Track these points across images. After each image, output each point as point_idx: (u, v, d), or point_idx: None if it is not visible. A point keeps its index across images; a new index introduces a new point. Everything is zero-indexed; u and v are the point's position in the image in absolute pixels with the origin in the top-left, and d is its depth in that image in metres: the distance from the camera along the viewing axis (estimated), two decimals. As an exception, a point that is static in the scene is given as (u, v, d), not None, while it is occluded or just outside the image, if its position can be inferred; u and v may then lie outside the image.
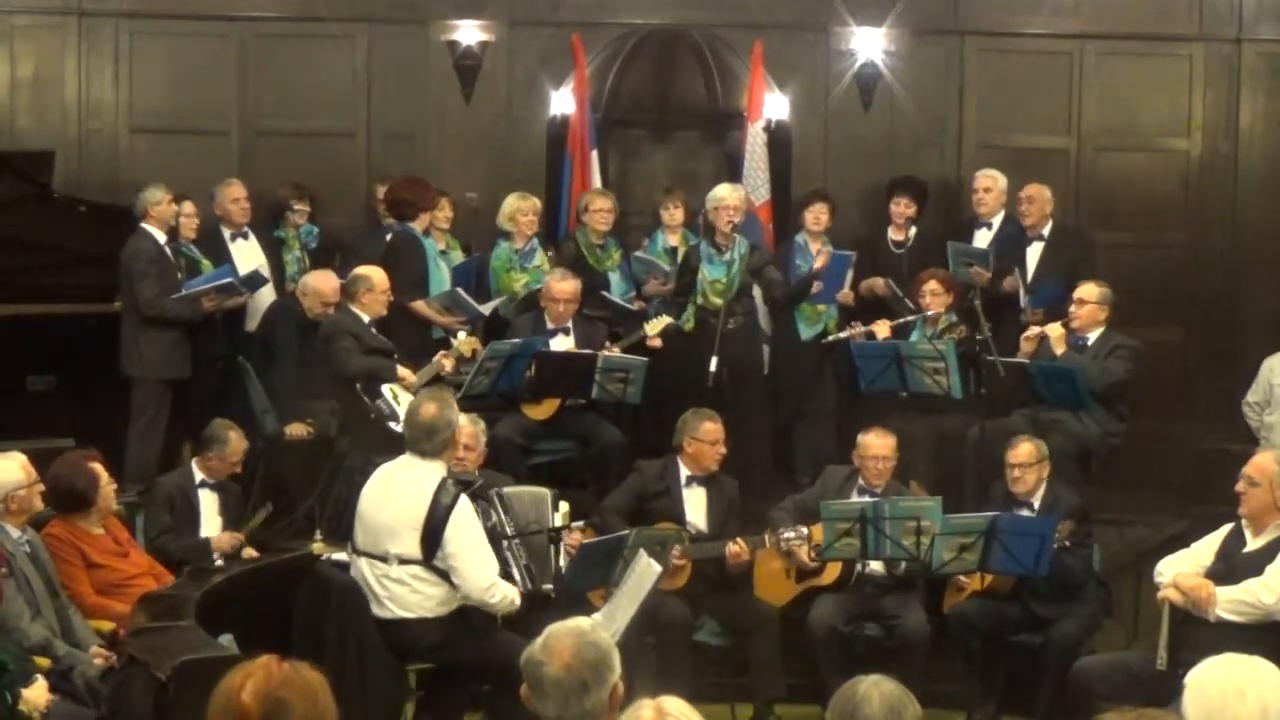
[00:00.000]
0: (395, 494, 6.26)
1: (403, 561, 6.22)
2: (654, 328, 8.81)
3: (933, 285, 8.82)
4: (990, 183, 9.62)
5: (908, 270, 9.28)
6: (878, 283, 9.38)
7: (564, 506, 7.09)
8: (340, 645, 6.44)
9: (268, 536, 7.95)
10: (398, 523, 6.20)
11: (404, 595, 6.24)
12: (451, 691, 6.60)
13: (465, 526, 6.16)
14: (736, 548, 7.39)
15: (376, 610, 6.29)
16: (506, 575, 6.53)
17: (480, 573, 6.16)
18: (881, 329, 8.75)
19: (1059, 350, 8.35)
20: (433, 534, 6.13)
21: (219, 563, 7.47)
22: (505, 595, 6.24)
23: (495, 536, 6.57)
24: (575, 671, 3.43)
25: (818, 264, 9.12)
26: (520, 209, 9.39)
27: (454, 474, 6.46)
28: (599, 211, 9.44)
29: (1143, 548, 8.74)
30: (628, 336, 8.86)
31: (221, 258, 9.28)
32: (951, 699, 7.37)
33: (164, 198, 8.84)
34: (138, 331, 8.74)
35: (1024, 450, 7.54)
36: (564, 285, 8.76)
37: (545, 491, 7.18)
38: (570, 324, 8.79)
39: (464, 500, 6.18)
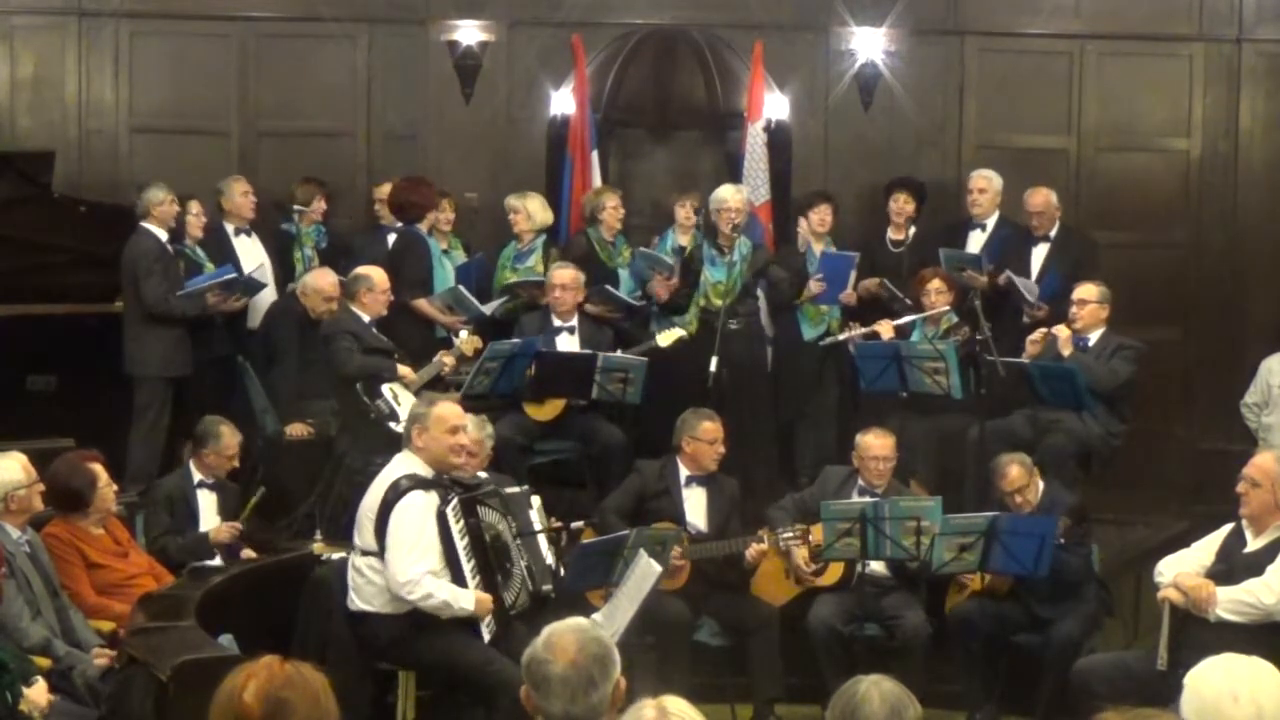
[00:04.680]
0: (373, 486, 6.36)
1: (363, 552, 6.31)
2: (666, 339, 8.77)
3: (937, 284, 8.83)
4: (985, 184, 9.63)
5: (906, 269, 9.29)
6: (873, 284, 9.39)
7: (536, 501, 7.05)
8: (304, 637, 6.65)
9: (269, 536, 7.95)
10: (362, 513, 6.33)
11: (362, 586, 6.32)
12: (456, 695, 6.60)
13: (403, 520, 6.15)
14: (761, 546, 7.41)
15: (347, 602, 6.38)
16: (506, 575, 6.50)
17: (399, 567, 6.13)
18: (885, 329, 8.75)
19: (1065, 352, 8.35)
20: (381, 524, 6.19)
21: (217, 561, 7.46)
22: (429, 594, 6.14)
23: (501, 545, 6.53)
24: (581, 667, 3.44)
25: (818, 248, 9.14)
26: (510, 206, 9.43)
27: (451, 477, 6.44)
28: (616, 209, 9.45)
29: (1143, 548, 8.74)
30: (638, 347, 8.81)
31: (225, 254, 9.30)
32: (952, 699, 7.38)
33: (166, 198, 8.86)
34: (141, 330, 8.75)
35: (1014, 474, 7.49)
36: (562, 272, 8.79)
37: (518, 489, 7.13)
38: (576, 324, 8.80)
39: (413, 495, 6.17)
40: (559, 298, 8.74)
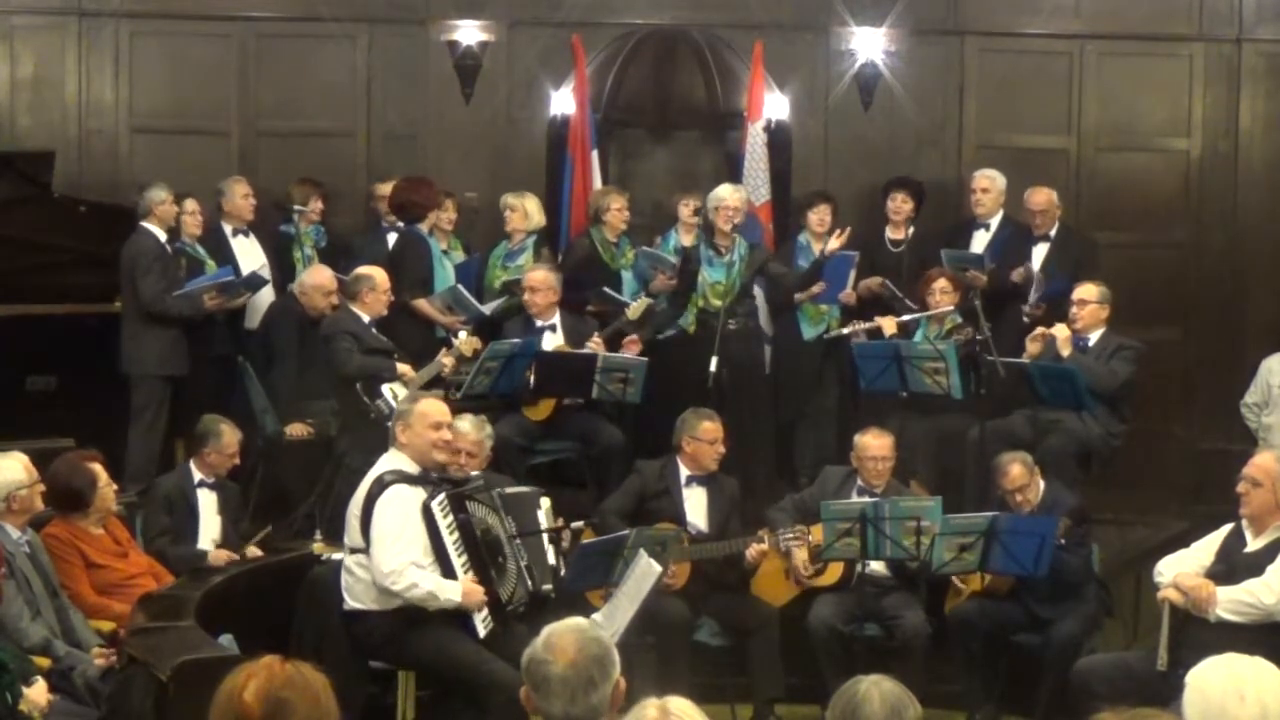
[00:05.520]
0: (360, 486, 6.39)
1: (352, 550, 6.34)
2: (634, 311, 8.83)
3: (942, 283, 8.82)
4: (988, 183, 9.63)
5: (906, 269, 9.28)
6: (874, 282, 9.40)
7: (545, 503, 7.05)
8: (300, 637, 6.71)
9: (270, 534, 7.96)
10: (349, 511, 6.36)
11: (353, 584, 6.35)
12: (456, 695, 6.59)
13: (385, 513, 6.18)
14: (761, 546, 7.41)
15: (342, 602, 6.41)
16: (500, 571, 6.49)
17: (382, 557, 6.15)
18: (888, 325, 8.75)
19: (1065, 352, 8.34)
20: (366, 520, 6.22)
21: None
22: (414, 584, 6.15)
23: (493, 539, 6.53)
24: (581, 667, 3.43)
25: (832, 245, 9.14)
26: (507, 204, 9.43)
27: (438, 474, 6.45)
28: (621, 210, 9.45)
29: (1143, 548, 8.74)
30: (611, 324, 8.87)
31: (223, 255, 9.31)
32: (951, 699, 7.38)
33: (167, 198, 8.88)
34: (139, 329, 8.76)
35: (1015, 472, 7.48)
36: (533, 275, 8.79)
37: (527, 489, 7.17)
38: (556, 322, 8.80)
39: (396, 489, 6.20)
40: (529, 300, 8.75)
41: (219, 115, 10.43)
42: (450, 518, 6.30)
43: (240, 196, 9.44)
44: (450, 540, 6.28)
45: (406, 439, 6.35)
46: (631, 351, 8.68)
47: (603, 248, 9.44)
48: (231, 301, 9.01)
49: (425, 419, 6.35)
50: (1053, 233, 9.50)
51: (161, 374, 8.80)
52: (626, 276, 9.45)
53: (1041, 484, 7.57)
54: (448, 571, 6.26)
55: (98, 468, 6.86)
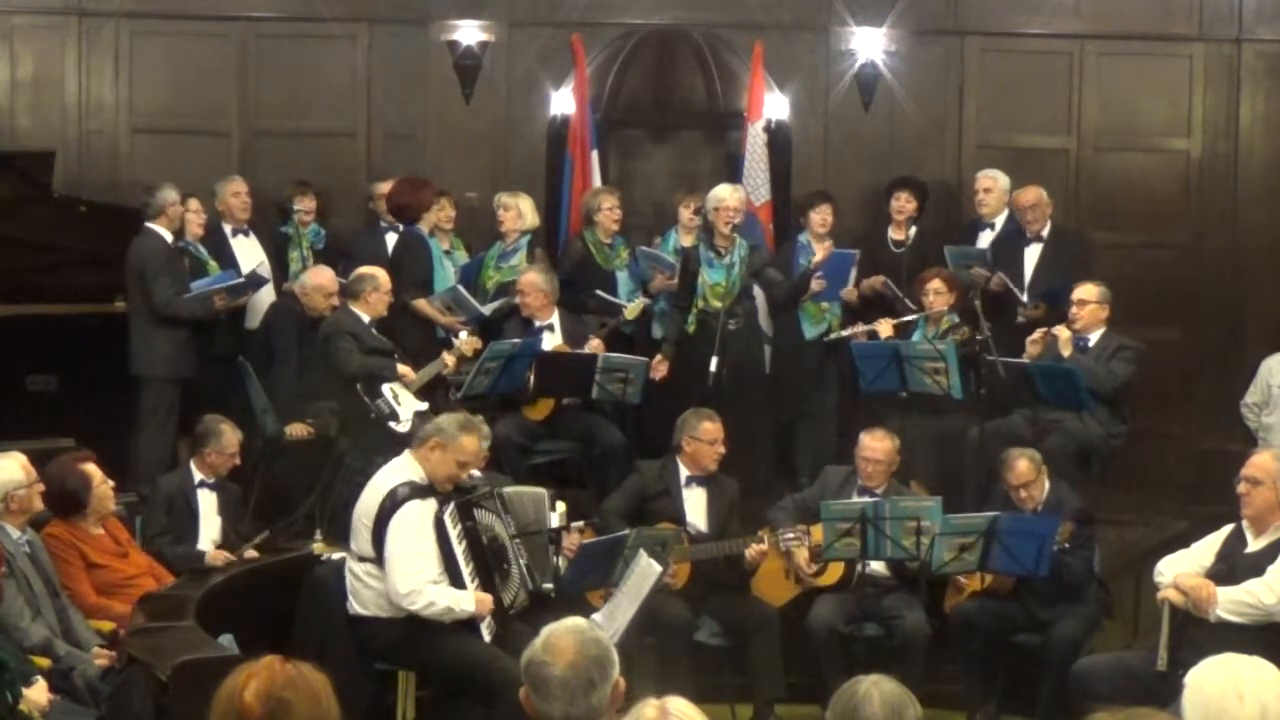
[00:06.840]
0: (368, 490, 6.39)
1: (360, 558, 6.34)
2: (631, 311, 8.87)
3: (936, 284, 8.81)
4: (991, 183, 9.63)
5: (907, 269, 9.28)
6: (876, 281, 9.39)
7: (561, 506, 7.07)
8: (303, 637, 6.73)
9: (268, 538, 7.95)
10: (357, 519, 6.37)
11: (360, 590, 6.38)
12: (456, 695, 6.60)
13: (401, 530, 6.19)
14: (761, 546, 7.40)
15: (346, 605, 6.43)
16: (504, 576, 6.50)
17: (399, 578, 6.18)
18: (884, 328, 8.75)
19: (1065, 352, 8.34)
20: (378, 532, 6.22)
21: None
22: (431, 602, 6.18)
23: (499, 546, 6.54)
24: (580, 669, 3.43)
25: (817, 256, 9.15)
26: (502, 203, 9.43)
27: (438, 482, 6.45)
28: (612, 210, 9.44)
29: (1143, 548, 8.73)
30: (609, 324, 8.89)
31: (224, 254, 9.31)
32: (951, 699, 7.37)
33: (177, 198, 8.89)
34: (149, 331, 8.75)
35: (1022, 468, 7.48)
36: (525, 278, 8.81)
37: (542, 491, 7.17)
38: (554, 322, 8.80)
39: (410, 505, 6.20)
40: (522, 303, 8.76)
41: (219, 115, 10.43)
42: (459, 527, 6.33)
43: (230, 195, 9.46)
44: (459, 550, 6.31)
45: (434, 458, 6.35)
46: (659, 373, 8.72)
47: (595, 249, 9.43)
48: (236, 301, 9.02)
49: (461, 452, 6.38)
50: (1045, 232, 9.48)
51: (172, 376, 8.80)
52: (621, 277, 9.44)
53: (1047, 483, 7.57)
54: (455, 579, 6.29)
55: (91, 468, 6.85)
